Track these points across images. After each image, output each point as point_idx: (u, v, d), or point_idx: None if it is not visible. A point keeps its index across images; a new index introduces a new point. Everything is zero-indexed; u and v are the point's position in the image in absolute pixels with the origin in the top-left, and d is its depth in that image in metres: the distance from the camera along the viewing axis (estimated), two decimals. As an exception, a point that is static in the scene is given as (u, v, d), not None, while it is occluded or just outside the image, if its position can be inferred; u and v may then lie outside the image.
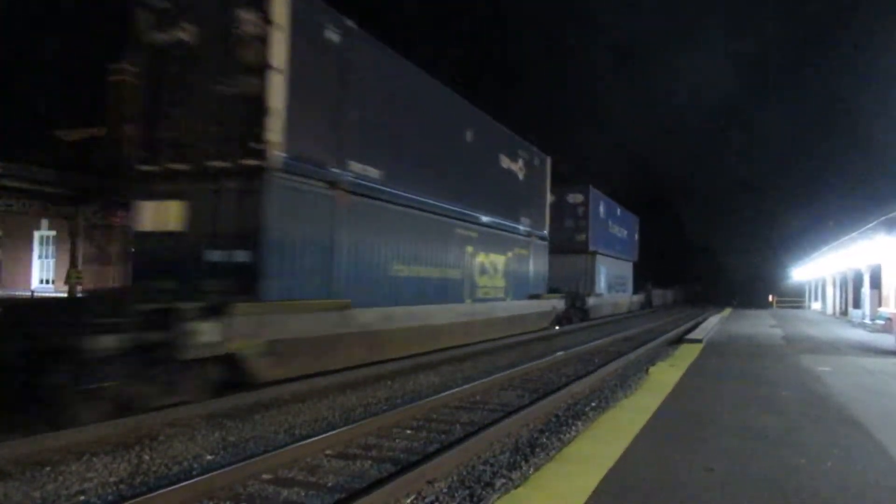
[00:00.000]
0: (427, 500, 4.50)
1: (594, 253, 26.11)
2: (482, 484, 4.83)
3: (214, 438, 6.17)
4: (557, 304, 20.26)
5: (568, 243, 24.70)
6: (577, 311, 23.14)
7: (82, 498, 4.57)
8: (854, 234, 20.41)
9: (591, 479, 4.26)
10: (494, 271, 15.20)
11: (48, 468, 5.12)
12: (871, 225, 17.71)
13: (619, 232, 31.68)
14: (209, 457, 5.60)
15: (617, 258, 30.92)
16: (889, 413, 6.83)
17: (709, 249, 79.51)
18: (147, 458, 5.49)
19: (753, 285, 68.78)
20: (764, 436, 5.67)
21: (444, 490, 4.72)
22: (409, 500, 4.49)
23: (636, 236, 37.20)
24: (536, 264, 18.47)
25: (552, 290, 20.61)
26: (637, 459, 4.80)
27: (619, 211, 31.84)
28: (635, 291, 37.91)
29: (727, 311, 38.00)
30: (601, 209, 27.57)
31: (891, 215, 15.62)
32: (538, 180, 18.93)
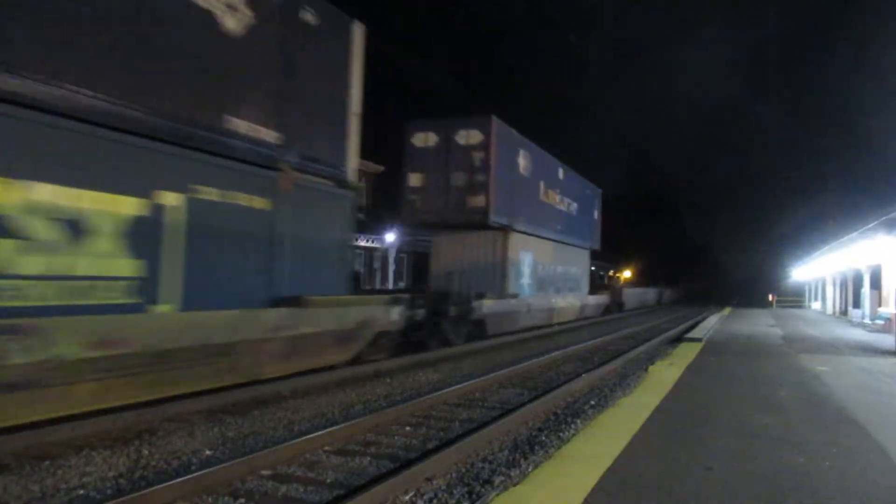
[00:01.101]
0: (426, 497, 4.51)
1: (506, 229, 16.47)
2: (481, 481, 4.84)
3: (213, 434, 6.18)
4: (378, 315, 10.06)
5: (455, 212, 15.66)
6: (455, 323, 13.33)
7: (81, 492, 4.58)
8: (854, 234, 20.38)
9: (590, 477, 4.27)
10: (85, 236, 5.99)
11: (47, 462, 5.13)
12: (871, 225, 17.68)
13: (564, 204, 21.56)
14: (208, 452, 5.61)
15: (559, 242, 21.24)
16: (888, 413, 6.83)
17: (708, 248, 79.63)
18: (146, 452, 5.50)
19: (753, 284, 68.89)
20: (763, 435, 5.67)
21: (443, 487, 4.73)
22: (407, 497, 4.49)
23: (596, 214, 26.74)
24: (312, 232, 8.91)
25: (409, 290, 14.24)
26: (636, 458, 4.80)
27: (561, 172, 21.26)
28: (597, 290, 28.83)
29: (727, 311, 37.98)
30: (521, 161, 17.43)
31: (891, 215, 15.59)
32: (318, 56, 9.24)
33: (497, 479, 4.84)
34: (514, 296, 16.67)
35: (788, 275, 54.81)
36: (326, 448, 5.74)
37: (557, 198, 20.89)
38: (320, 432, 5.89)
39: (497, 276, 16.51)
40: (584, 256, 25.41)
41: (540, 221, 19.21)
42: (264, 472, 5.02)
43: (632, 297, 36.50)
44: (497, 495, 4.14)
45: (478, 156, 15.62)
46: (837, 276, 32.26)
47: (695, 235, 79.87)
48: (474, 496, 4.51)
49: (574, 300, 22.99)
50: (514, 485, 4.28)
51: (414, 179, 16.23)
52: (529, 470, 4.78)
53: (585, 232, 24.87)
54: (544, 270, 19.91)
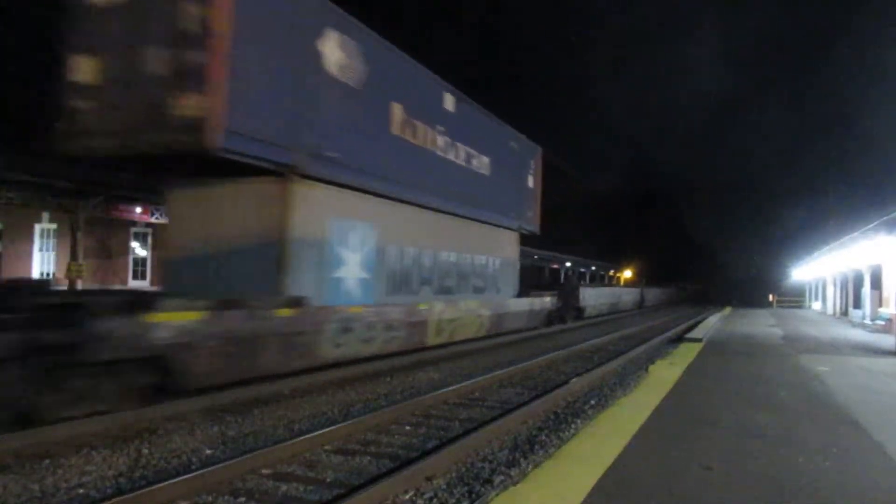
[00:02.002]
0: (426, 497, 4.50)
1: (287, 174, 8.73)
2: (481, 481, 4.84)
3: (213, 433, 6.19)
4: None
5: (147, 129, 7.54)
6: (32, 373, 5.64)
7: (81, 491, 4.58)
8: (855, 234, 20.39)
9: (589, 477, 4.27)
10: None
11: (47, 461, 5.14)
12: (871, 225, 17.68)
13: (457, 154, 13.48)
14: (208, 451, 5.61)
15: (450, 214, 13.40)
16: (888, 413, 6.83)
17: (708, 247, 79.59)
18: (146, 451, 5.50)
19: (754, 284, 68.86)
20: (762, 435, 5.67)
21: (443, 486, 4.73)
22: (407, 497, 4.49)
23: (531, 181, 17.96)
24: None
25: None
26: (636, 457, 4.80)
27: (450, 102, 13.09)
28: (535, 291, 19.34)
29: (727, 311, 38.00)
30: (330, 51, 9.32)
31: (892, 215, 15.59)
32: None
33: (497, 479, 4.84)
34: (296, 303, 8.55)
35: (789, 275, 54.85)
36: (326, 447, 5.74)
37: (441, 140, 12.58)
38: (320, 431, 5.90)
39: (270, 264, 8.69)
40: (507, 241, 16.90)
41: (396, 173, 11.02)
42: (264, 471, 5.02)
43: (596, 299, 28.03)
44: (497, 495, 4.14)
45: (193, 12, 7.49)
46: (838, 276, 32.25)
47: (694, 235, 79.91)
48: (474, 496, 4.51)
49: (480, 307, 14.51)
50: (514, 484, 4.28)
51: (83, 69, 7.96)
52: (529, 469, 4.78)
53: (508, 204, 16.40)
54: (410, 258, 11.91)
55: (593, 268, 50.64)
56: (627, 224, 76.21)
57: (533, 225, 18.45)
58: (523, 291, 18.01)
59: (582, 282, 34.99)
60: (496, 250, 16.10)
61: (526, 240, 19.68)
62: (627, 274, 61.34)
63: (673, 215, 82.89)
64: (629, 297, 38.13)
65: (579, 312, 24.35)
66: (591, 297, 26.99)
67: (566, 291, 22.92)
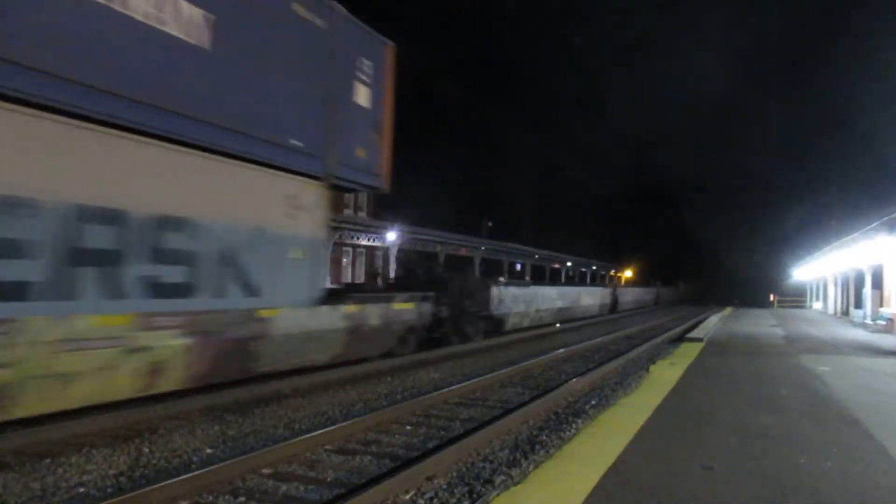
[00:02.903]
0: (426, 497, 4.50)
1: None
2: (481, 481, 4.83)
3: (214, 432, 6.18)
4: None
5: None
6: None
7: (82, 490, 4.58)
8: (856, 234, 20.36)
9: (590, 477, 4.26)
10: None
11: (48, 460, 5.14)
12: (872, 225, 17.66)
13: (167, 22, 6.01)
14: (209, 450, 5.60)
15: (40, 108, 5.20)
16: (889, 413, 6.82)
17: (708, 247, 79.59)
18: (147, 450, 5.50)
19: (754, 284, 68.86)
20: (764, 435, 5.66)
21: (444, 486, 4.72)
22: (407, 497, 4.49)
23: (359, 92, 9.40)
24: None
25: None
26: (637, 457, 4.79)
27: None
28: (358, 295, 10.30)
29: (728, 311, 37.97)
30: None
31: (893, 215, 15.57)
32: None
33: (498, 479, 4.83)
34: None
35: (790, 275, 54.79)
36: (327, 447, 5.74)
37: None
38: (321, 431, 5.89)
39: None
40: (285, 197, 8.33)
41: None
42: (265, 471, 5.01)
43: (527, 305, 18.99)
44: (497, 495, 4.13)
45: None
46: (839, 276, 32.22)
47: (695, 235, 79.92)
48: (475, 495, 4.51)
49: (150, 332, 6.23)
50: (515, 484, 4.27)
51: None
52: (530, 469, 4.77)
53: (292, 124, 8.29)
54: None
55: (594, 267, 50.57)
56: (628, 224, 76.24)
57: (372, 175, 10.21)
58: (337, 295, 10.00)
59: (501, 278, 23.10)
60: (249, 212, 7.82)
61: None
62: (628, 274, 61.35)
63: (673, 215, 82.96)
64: (592, 299, 27.54)
65: (495, 325, 16.38)
66: (517, 302, 17.82)
67: (456, 293, 13.94)
